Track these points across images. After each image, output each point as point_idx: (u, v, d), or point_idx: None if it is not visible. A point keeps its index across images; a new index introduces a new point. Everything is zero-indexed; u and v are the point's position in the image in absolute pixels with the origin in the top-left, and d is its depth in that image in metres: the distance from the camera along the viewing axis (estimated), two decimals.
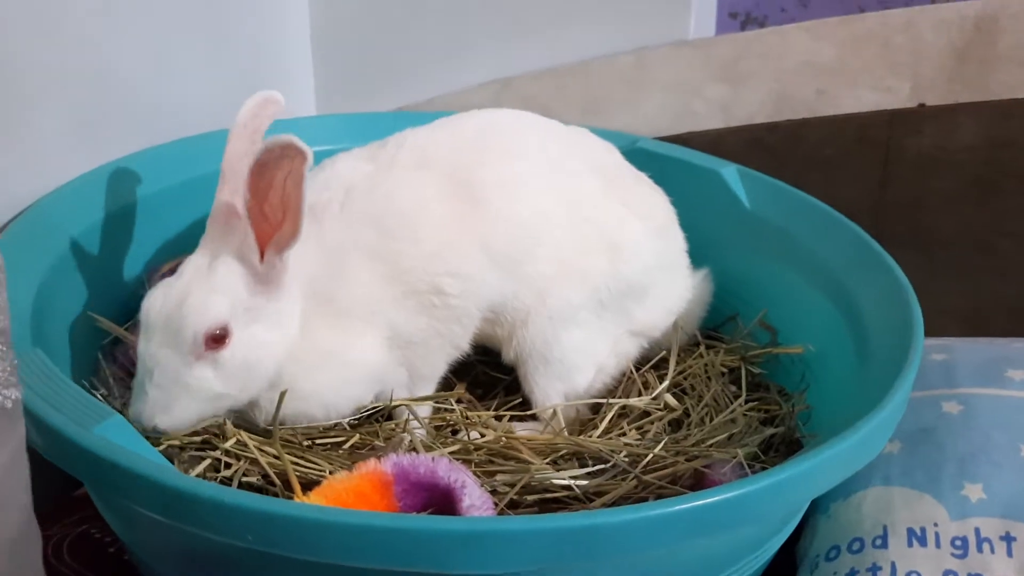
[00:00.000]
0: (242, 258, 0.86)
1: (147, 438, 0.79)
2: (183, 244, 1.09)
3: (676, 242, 1.09)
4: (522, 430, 0.97)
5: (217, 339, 0.84)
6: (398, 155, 0.96)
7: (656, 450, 0.90)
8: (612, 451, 0.89)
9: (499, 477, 0.85)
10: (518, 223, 0.96)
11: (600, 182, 1.02)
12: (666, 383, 1.01)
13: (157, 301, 0.84)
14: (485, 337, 1.00)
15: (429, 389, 0.98)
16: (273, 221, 0.84)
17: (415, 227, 0.92)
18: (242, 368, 0.86)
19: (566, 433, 0.96)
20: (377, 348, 0.93)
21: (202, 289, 0.84)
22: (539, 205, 0.97)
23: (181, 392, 0.84)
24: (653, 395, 1.00)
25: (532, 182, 0.98)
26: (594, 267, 0.99)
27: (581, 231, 0.98)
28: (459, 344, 0.97)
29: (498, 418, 1.00)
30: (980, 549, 0.85)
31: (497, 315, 0.98)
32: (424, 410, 0.97)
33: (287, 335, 0.88)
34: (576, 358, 1.00)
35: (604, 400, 1.00)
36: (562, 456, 0.91)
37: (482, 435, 0.94)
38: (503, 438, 0.92)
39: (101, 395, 0.92)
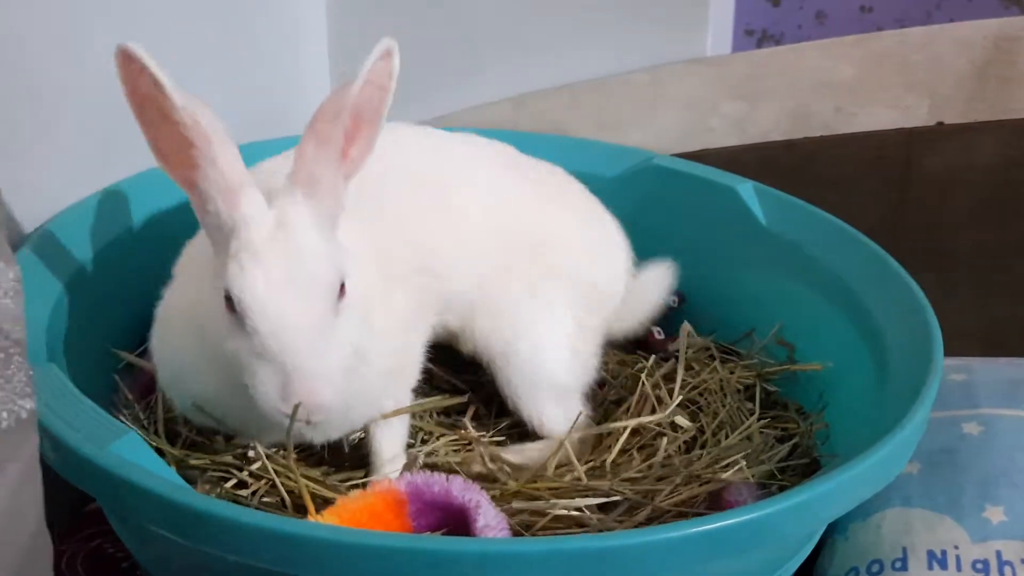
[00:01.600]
0: (311, 197, 0.75)
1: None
2: None
3: (602, 225, 1.08)
4: (533, 450, 0.96)
5: (343, 286, 0.74)
6: None
7: (677, 481, 0.88)
8: (621, 486, 0.87)
9: (514, 504, 0.85)
10: (462, 221, 0.96)
11: (517, 178, 1.02)
12: (674, 404, 1.00)
13: (258, 280, 0.71)
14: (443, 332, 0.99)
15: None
16: (347, 146, 0.76)
17: (402, 218, 0.92)
18: (359, 315, 0.76)
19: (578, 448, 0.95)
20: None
21: (309, 238, 0.73)
22: (475, 204, 0.97)
23: (339, 353, 0.73)
24: (668, 418, 0.98)
25: (467, 183, 0.98)
26: (521, 263, 0.97)
27: (510, 228, 0.98)
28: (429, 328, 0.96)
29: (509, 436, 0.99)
30: (1001, 572, 0.84)
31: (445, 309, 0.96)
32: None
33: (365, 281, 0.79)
34: (544, 356, 0.97)
35: (617, 425, 0.97)
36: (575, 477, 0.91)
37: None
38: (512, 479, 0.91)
39: (127, 413, 0.91)
